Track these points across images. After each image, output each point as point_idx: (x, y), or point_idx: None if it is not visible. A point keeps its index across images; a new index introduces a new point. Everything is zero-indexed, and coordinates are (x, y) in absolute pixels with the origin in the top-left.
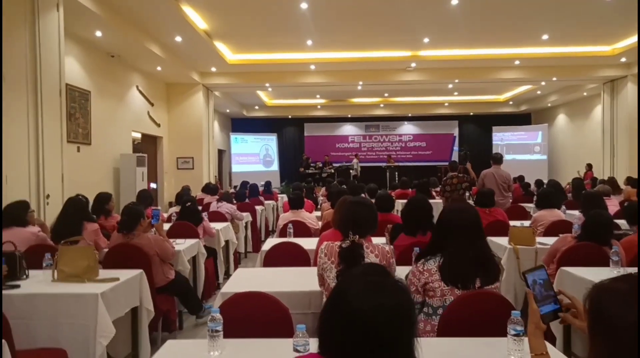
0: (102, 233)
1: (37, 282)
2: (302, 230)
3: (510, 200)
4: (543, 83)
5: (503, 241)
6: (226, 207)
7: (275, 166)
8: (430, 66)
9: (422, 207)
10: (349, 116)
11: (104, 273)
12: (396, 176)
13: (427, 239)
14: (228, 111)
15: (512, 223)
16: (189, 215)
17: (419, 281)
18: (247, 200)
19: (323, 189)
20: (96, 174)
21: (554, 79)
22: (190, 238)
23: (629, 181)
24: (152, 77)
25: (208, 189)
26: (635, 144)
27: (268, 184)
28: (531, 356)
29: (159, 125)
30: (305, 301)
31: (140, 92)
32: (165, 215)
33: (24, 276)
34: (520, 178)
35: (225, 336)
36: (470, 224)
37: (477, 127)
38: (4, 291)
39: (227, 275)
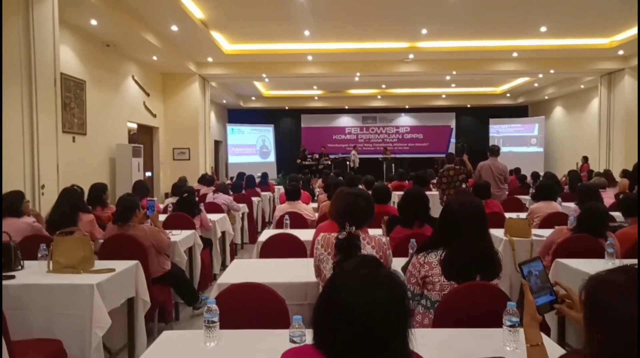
0: (98, 223)
1: (32, 273)
2: (298, 221)
3: (507, 192)
4: (540, 75)
5: (499, 233)
6: (222, 198)
7: (272, 158)
8: (428, 57)
9: (419, 199)
10: (346, 107)
11: (99, 263)
12: (393, 167)
13: (423, 231)
14: (224, 101)
15: (508, 215)
16: (187, 206)
17: (419, 273)
18: (243, 191)
19: (320, 180)
20: (92, 164)
21: (552, 71)
22: (186, 229)
23: (625, 173)
24: (148, 67)
25: (204, 180)
26: (632, 137)
27: (265, 176)
28: (527, 347)
29: (155, 115)
30: (301, 293)
31: (136, 82)
32: (162, 206)
33: (19, 267)
34: (517, 170)
35: (222, 327)
36: (475, 217)
37: (474, 119)
38: None
39: (224, 266)
